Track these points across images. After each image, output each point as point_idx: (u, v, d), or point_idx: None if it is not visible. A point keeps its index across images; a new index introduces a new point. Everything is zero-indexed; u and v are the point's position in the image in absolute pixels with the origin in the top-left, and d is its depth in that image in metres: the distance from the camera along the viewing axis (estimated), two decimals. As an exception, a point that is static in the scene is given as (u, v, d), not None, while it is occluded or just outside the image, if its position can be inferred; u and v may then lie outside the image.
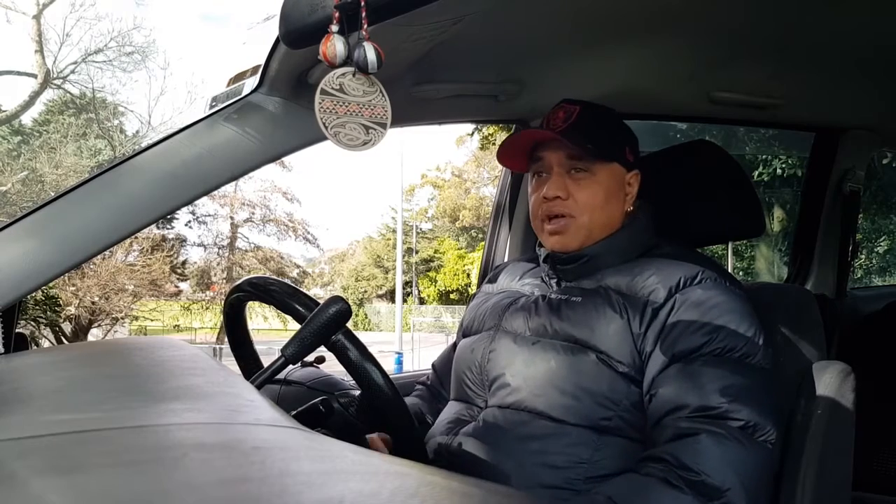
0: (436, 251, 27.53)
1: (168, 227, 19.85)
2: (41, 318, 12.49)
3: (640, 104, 1.43)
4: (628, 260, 1.06)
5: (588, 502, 0.90)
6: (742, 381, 0.91)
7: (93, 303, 14.16)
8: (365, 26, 0.71)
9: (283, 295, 0.91)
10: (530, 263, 1.21)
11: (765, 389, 0.94)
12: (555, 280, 1.10)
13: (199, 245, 21.87)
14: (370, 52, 0.72)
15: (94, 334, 15.06)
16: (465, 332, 1.20)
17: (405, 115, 1.25)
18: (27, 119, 16.91)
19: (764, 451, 0.89)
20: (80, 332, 14.13)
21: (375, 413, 0.89)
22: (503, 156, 1.14)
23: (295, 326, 0.88)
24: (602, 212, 1.07)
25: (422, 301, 27.08)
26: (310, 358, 1.13)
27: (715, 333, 0.94)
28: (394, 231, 25.60)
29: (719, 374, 0.91)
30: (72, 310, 13.70)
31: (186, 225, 21.54)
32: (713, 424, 0.88)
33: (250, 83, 1.01)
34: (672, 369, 0.93)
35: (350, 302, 0.87)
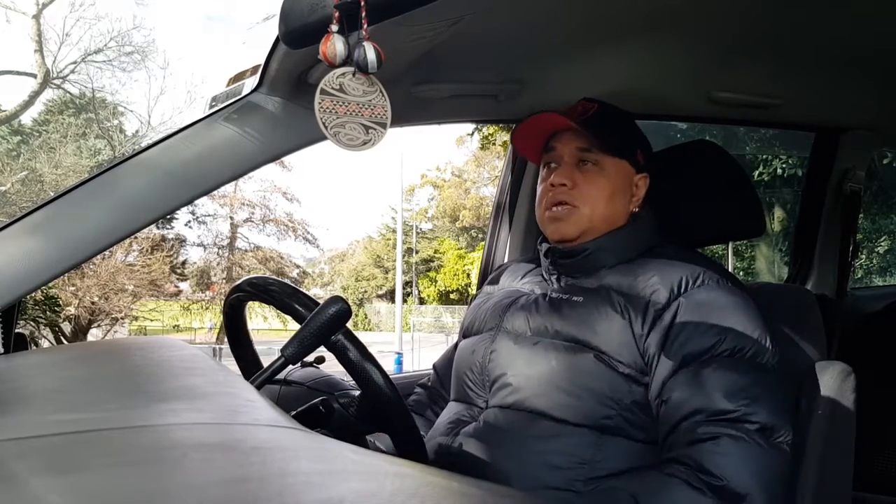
0: (436, 251, 27.52)
1: (168, 227, 19.85)
2: (41, 318, 12.48)
3: (640, 104, 1.43)
4: (629, 259, 1.06)
5: (611, 499, 0.90)
6: (755, 383, 0.91)
7: (92, 303, 14.15)
8: (365, 26, 0.71)
9: (282, 295, 0.91)
10: (531, 264, 1.21)
11: (776, 390, 0.94)
12: (555, 276, 1.10)
13: (198, 245, 21.91)
14: (370, 52, 0.72)
15: (94, 334, 15.05)
16: (465, 333, 1.20)
17: (405, 115, 1.25)
18: (27, 119, 16.91)
19: (781, 453, 0.89)
20: (80, 332, 14.12)
21: (375, 413, 0.89)
22: (519, 139, 1.15)
23: (295, 326, 0.88)
24: (606, 206, 1.07)
25: (422, 301, 27.08)
26: (310, 358, 1.13)
27: (723, 335, 0.94)
28: (394, 231, 25.60)
29: (732, 376, 0.91)
30: (71, 310, 13.70)
31: (186, 225, 21.58)
32: (732, 428, 0.88)
33: (250, 83, 1.01)
34: (683, 373, 0.93)
35: (350, 302, 0.87)
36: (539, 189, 1.13)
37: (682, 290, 0.98)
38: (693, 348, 0.94)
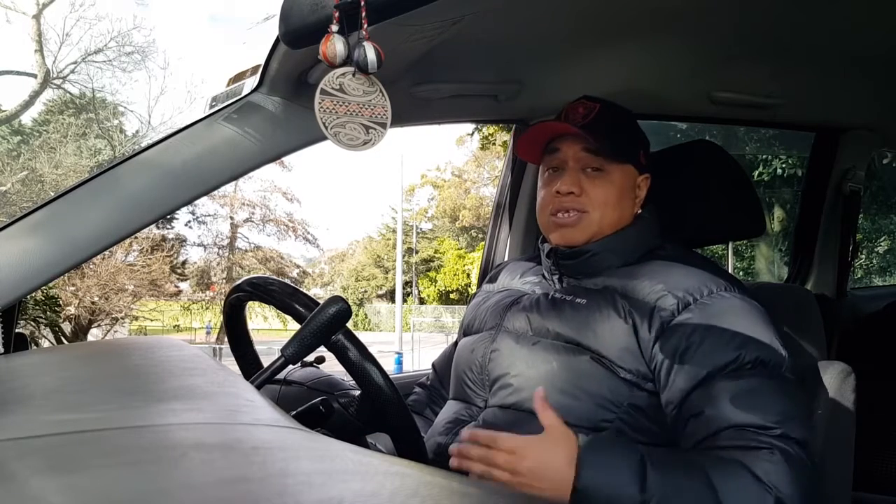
0: (436, 251, 27.53)
1: (168, 227, 19.86)
2: (41, 318, 12.47)
3: (640, 104, 1.43)
4: (631, 261, 1.05)
5: (721, 461, 0.85)
6: (783, 396, 0.89)
7: (93, 303, 14.15)
8: (365, 26, 0.71)
9: (283, 295, 0.91)
10: (530, 262, 1.21)
11: (801, 400, 0.92)
12: (557, 276, 1.09)
13: (199, 245, 21.91)
14: (370, 52, 0.72)
15: (94, 334, 15.05)
16: (465, 332, 1.20)
17: (405, 115, 1.25)
18: (27, 119, 16.91)
19: (815, 468, 0.87)
20: (80, 332, 14.12)
21: (375, 413, 0.89)
22: (521, 147, 1.13)
23: (295, 326, 0.88)
24: (614, 211, 1.06)
25: (422, 301, 27.08)
26: (310, 358, 1.13)
27: (744, 347, 0.91)
28: (394, 231, 25.61)
29: (764, 391, 0.88)
30: (71, 310, 13.70)
31: (186, 225, 21.58)
32: (782, 442, 0.85)
33: (250, 83, 1.01)
34: (711, 387, 0.90)
35: (350, 302, 0.87)
36: (541, 194, 1.10)
37: (693, 300, 0.96)
38: (717, 361, 0.91)
